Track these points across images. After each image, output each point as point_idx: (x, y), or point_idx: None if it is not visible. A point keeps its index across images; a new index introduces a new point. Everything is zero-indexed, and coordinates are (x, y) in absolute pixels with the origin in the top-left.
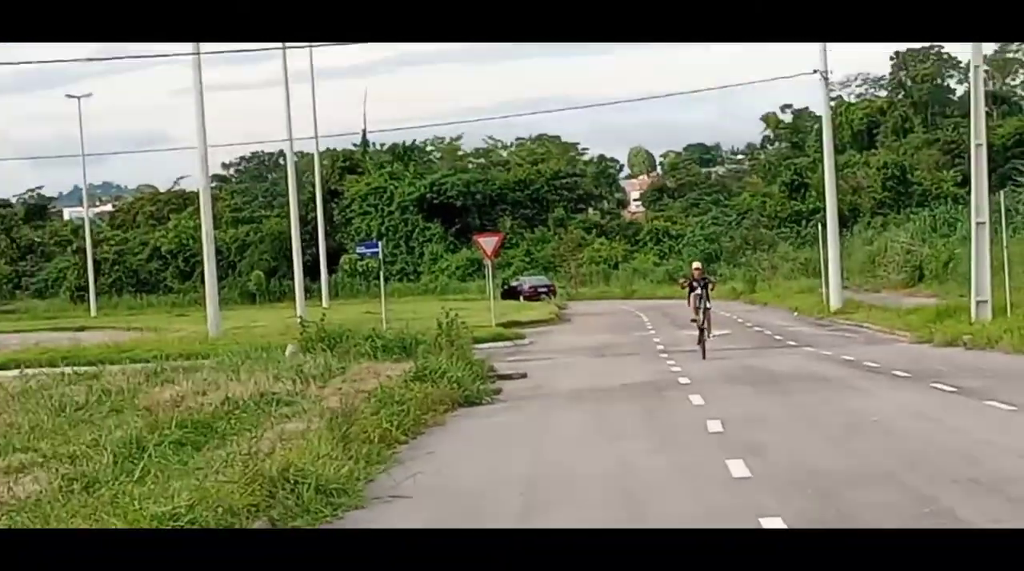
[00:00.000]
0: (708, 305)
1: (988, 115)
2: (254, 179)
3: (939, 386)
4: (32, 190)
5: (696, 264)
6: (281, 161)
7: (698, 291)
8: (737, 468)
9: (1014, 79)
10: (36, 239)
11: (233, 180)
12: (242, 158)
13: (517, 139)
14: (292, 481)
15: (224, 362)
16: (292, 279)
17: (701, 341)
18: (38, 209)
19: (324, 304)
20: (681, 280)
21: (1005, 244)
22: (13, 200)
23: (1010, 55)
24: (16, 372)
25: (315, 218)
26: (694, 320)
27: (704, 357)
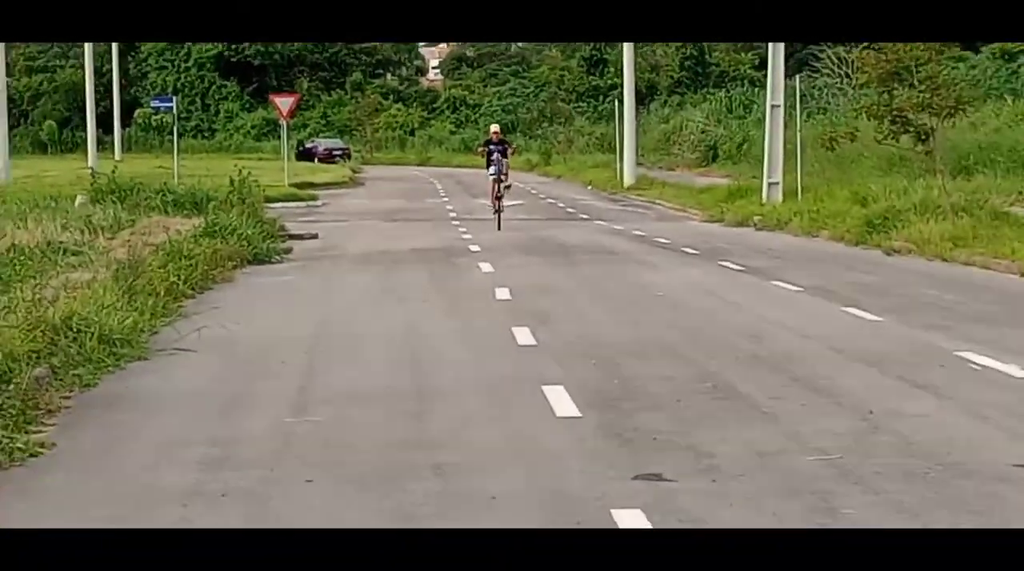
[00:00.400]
0: (506, 171)
1: None
2: None
3: (727, 264)
4: None
5: (494, 127)
6: None
7: (495, 156)
8: (523, 336)
9: None
10: None
11: None
12: None
13: None
14: (75, 329)
15: (11, 210)
16: (85, 130)
17: (497, 210)
18: None
19: (117, 157)
20: (479, 147)
21: (799, 128)
22: None
23: None
24: None
25: (110, 70)
26: (495, 182)
27: (499, 228)
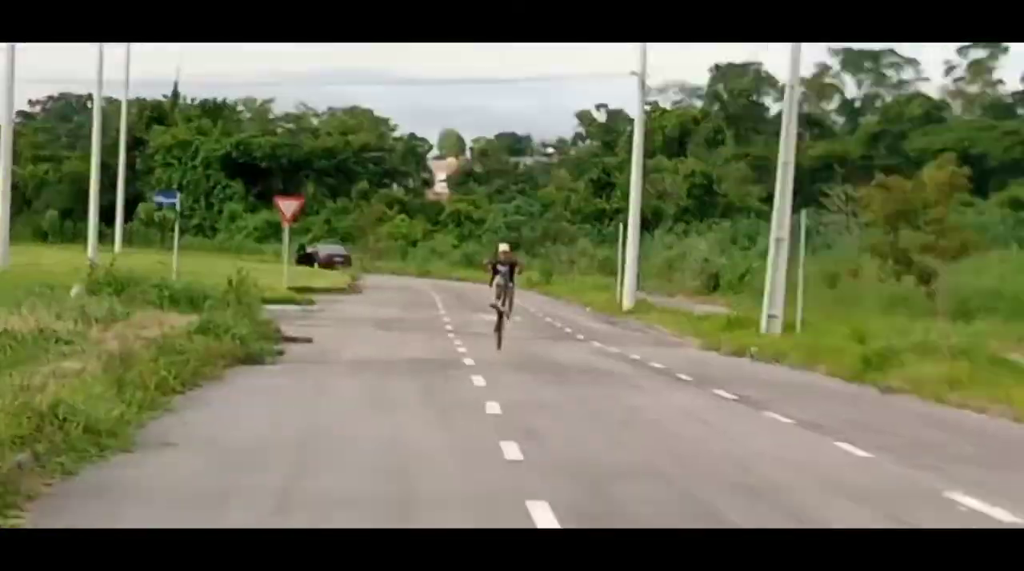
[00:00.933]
0: (511, 296)
1: (799, 136)
2: (60, 119)
3: (721, 392)
4: None
5: (503, 246)
6: (89, 104)
7: (500, 278)
8: (511, 451)
9: (829, 103)
10: None
11: (38, 118)
12: (50, 97)
13: (329, 108)
14: (61, 417)
15: (7, 296)
16: (87, 222)
17: (499, 328)
18: None
19: (117, 250)
20: (486, 262)
21: (802, 262)
22: None
23: (827, 80)
24: None
25: (117, 163)
26: (493, 305)
27: (499, 347)
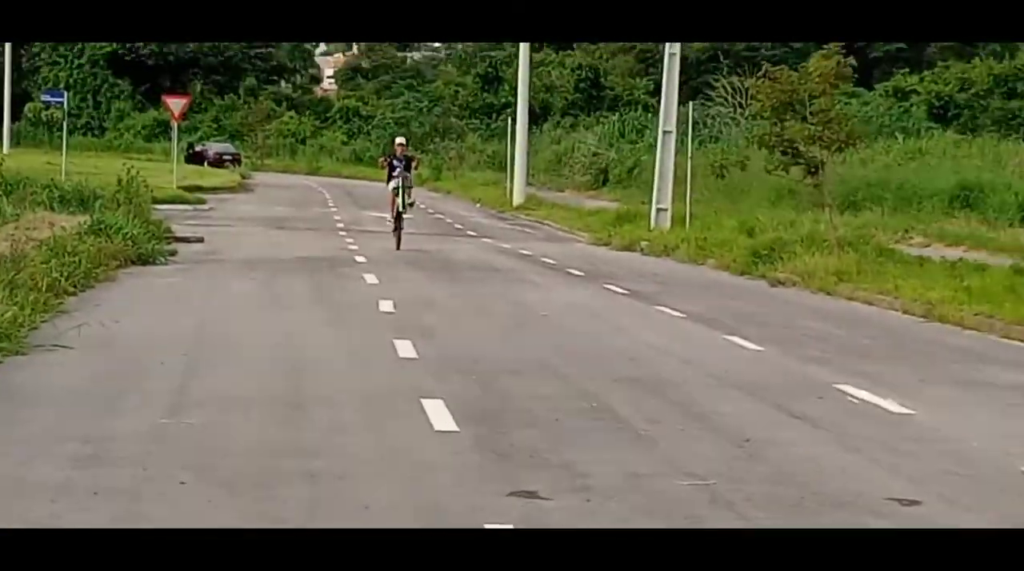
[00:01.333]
0: (410, 185)
1: None
2: None
3: (611, 287)
4: None
5: (400, 139)
6: None
7: (398, 170)
8: (404, 348)
9: None
10: None
11: None
12: None
13: None
14: None
15: None
16: None
17: (397, 229)
18: None
19: (4, 150)
20: (381, 158)
21: (690, 155)
22: None
23: None
24: None
25: (2, 64)
26: (394, 196)
27: (398, 247)
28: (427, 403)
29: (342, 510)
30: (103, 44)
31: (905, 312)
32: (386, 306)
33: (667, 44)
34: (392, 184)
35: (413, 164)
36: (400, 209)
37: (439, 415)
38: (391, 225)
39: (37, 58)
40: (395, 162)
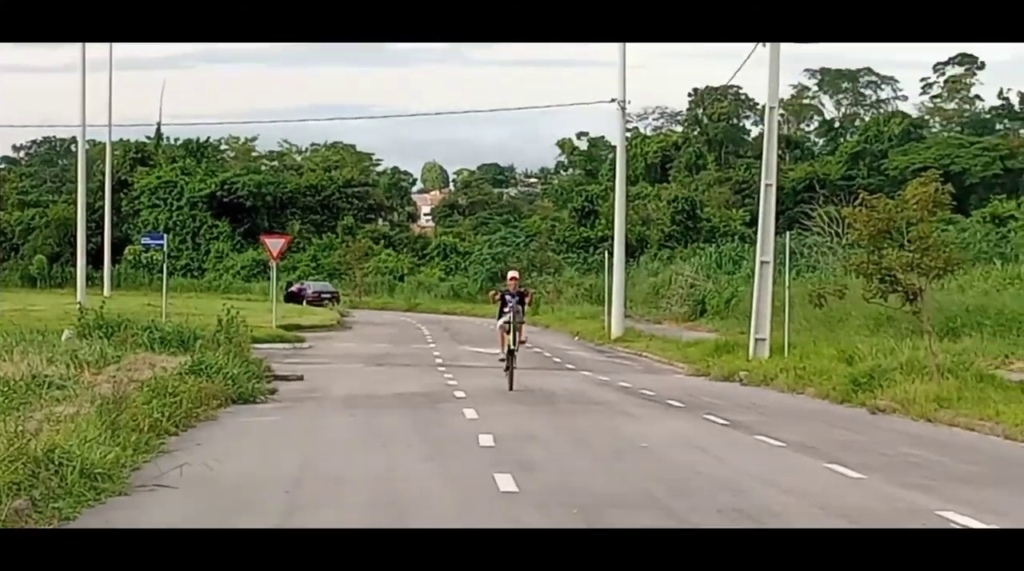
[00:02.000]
0: (522, 321)
1: (780, 158)
2: (44, 163)
3: (711, 418)
4: None
5: (512, 273)
6: (73, 147)
7: (511, 305)
8: (505, 482)
9: (808, 125)
10: None
11: (23, 163)
12: (34, 142)
13: (312, 145)
14: (57, 462)
15: None
16: (75, 266)
17: (509, 368)
18: None
19: (106, 293)
20: (492, 293)
21: (787, 284)
22: None
23: (806, 101)
24: None
25: (103, 207)
26: (506, 344)
27: (511, 388)
28: None
29: None
30: (202, 186)
31: (1007, 437)
32: (486, 440)
33: (763, 175)
34: (503, 319)
35: (527, 299)
36: (511, 346)
37: None
38: (503, 363)
39: (137, 201)
40: (508, 297)
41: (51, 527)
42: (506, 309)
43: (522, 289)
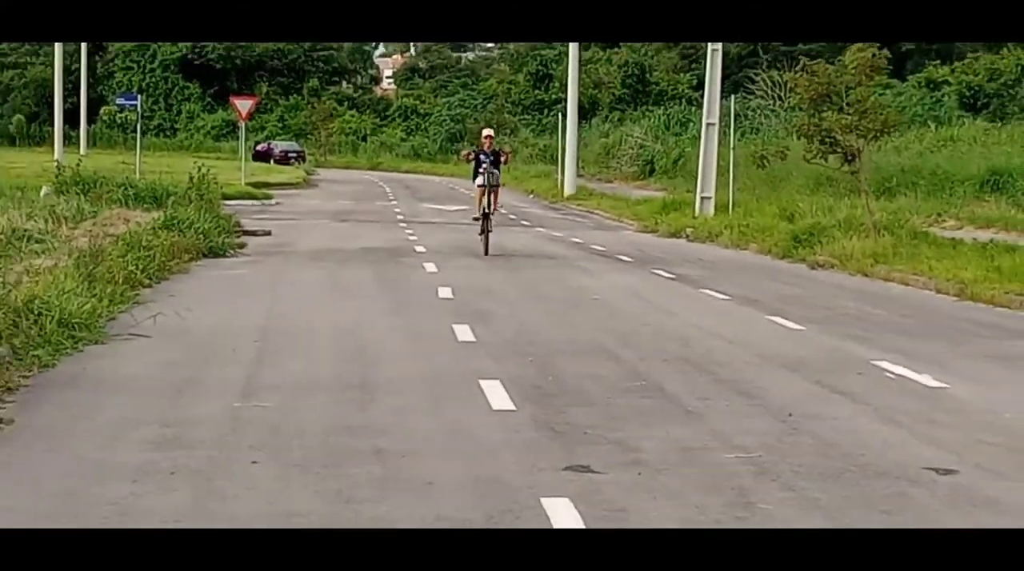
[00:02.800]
0: (498, 184)
1: None
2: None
3: (659, 272)
4: None
5: (487, 131)
6: None
7: (485, 166)
8: (463, 333)
9: None
10: None
11: None
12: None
13: None
14: (36, 312)
15: None
16: (52, 125)
17: (484, 231)
18: None
19: (82, 151)
20: (465, 152)
21: (732, 146)
22: None
23: None
24: None
25: (79, 68)
26: (482, 193)
27: (487, 252)
28: (485, 384)
29: (407, 486)
30: (174, 49)
31: (939, 291)
32: (445, 293)
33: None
34: (479, 180)
35: (502, 159)
36: (486, 209)
37: (497, 395)
38: (478, 226)
39: (112, 63)
40: (482, 156)
41: (31, 374)
42: (480, 170)
43: (497, 148)
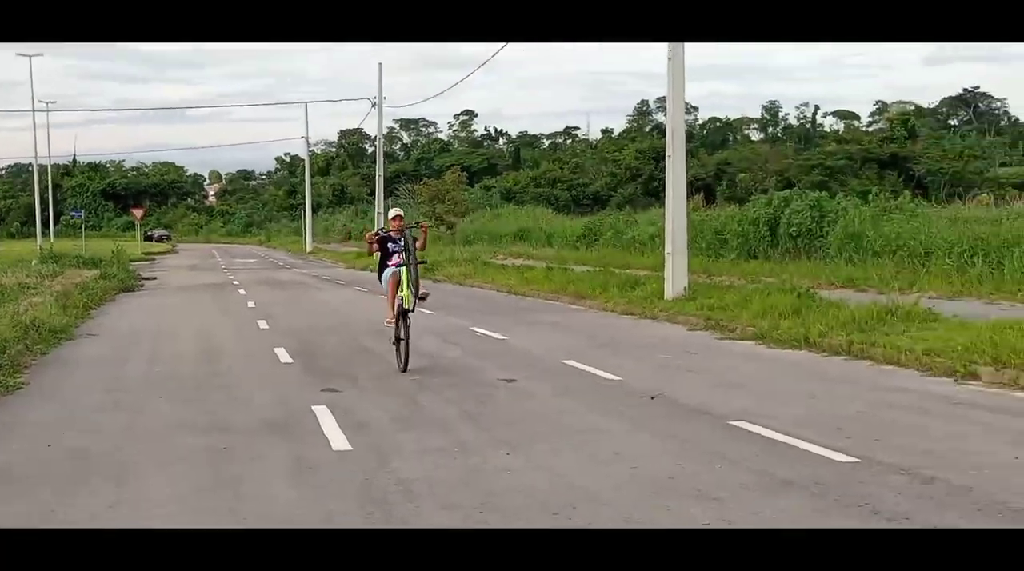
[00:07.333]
0: (415, 266)
1: (387, 165)
2: (15, 176)
3: (359, 289)
4: None
5: (396, 210)
6: (29, 168)
7: (397, 255)
8: (263, 324)
9: (396, 146)
10: None
11: (3, 176)
12: (7, 166)
13: (153, 163)
14: (36, 326)
15: None
16: (35, 227)
17: (399, 340)
18: None
19: (52, 240)
20: (369, 235)
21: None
22: None
23: (394, 135)
24: None
25: (48, 198)
26: (394, 306)
27: (405, 369)
28: (277, 350)
29: (241, 403)
30: (100, 185)
31: (497, 290)
32: (252, 305)
33: (378, 172)
34: (388, 270)
35: (418, 243)
36: (405, 305)
37: (283, 355)
38: (391, 333)
39: (66, 193)
40: (390, 244)
41: (35, 359)
42: (389, 262)
43: (408, 226)
